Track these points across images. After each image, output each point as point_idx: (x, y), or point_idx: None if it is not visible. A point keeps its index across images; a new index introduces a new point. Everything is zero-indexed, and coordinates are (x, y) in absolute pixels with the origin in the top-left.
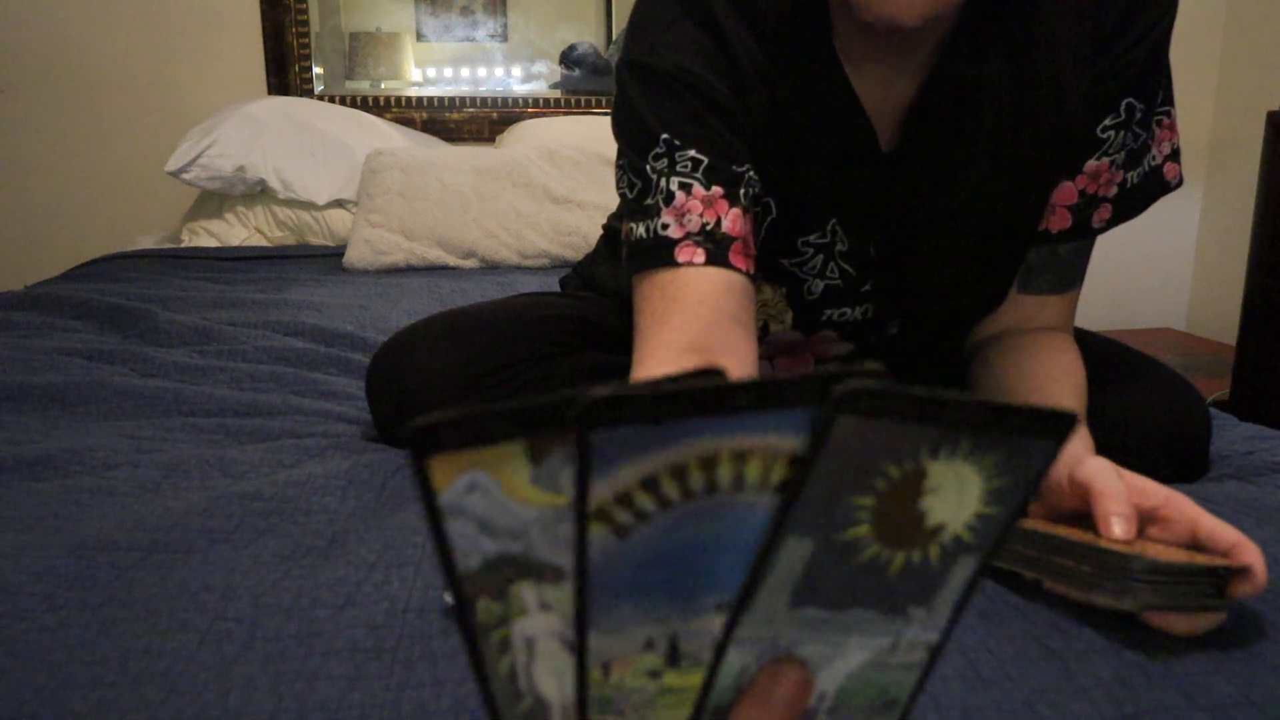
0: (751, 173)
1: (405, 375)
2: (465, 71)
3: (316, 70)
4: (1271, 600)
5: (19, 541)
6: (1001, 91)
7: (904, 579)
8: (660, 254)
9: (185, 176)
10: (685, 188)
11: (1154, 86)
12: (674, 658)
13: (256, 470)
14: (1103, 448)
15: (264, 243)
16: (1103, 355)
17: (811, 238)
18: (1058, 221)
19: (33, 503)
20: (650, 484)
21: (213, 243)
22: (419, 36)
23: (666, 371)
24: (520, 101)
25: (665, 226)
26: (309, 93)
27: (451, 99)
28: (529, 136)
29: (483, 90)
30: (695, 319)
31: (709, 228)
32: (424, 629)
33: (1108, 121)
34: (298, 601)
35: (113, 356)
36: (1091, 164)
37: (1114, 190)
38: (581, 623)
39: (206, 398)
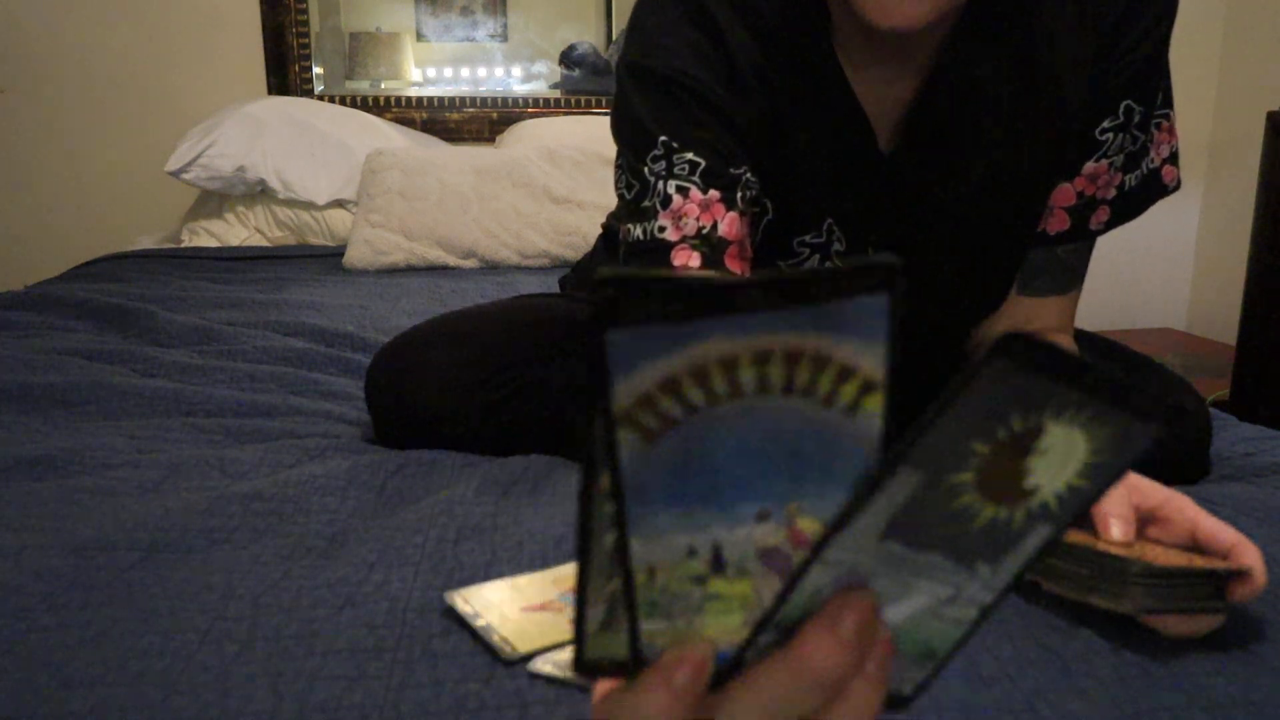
0: (749, 174)
1: (405, 379)
2: (465, 71)
3: (316, 70)
4: (1271, 601)
5: (19, 541)
6: (1002, 93)
7: (984, 534)
8: (657, 256)
9: (185, 176)
10: (683, 191)
11: (1154, 89)
12: (718, 565)
13: (256, 470)
14: None
15: (264, 243)
16: (1102, 356)
17: (807, 237)
18: (1056, 223)
19: (33, 503)
20: (671, 386)
21: (213, 243)
22: (419, 36)
23: None
24: (520, 101)
25: (662, 229)
26: (309, 93)
27: (451, 99)
28: (529, 136)
29: (483, 90)
30: None
31: (705, 231)
32: (424, 629)
33: (1107, 124)
34: (298, 601)
35: (113, 356)
36: (1090, 166)
37: (1112, 192)
38: (620, 523)
39: (206, 398)
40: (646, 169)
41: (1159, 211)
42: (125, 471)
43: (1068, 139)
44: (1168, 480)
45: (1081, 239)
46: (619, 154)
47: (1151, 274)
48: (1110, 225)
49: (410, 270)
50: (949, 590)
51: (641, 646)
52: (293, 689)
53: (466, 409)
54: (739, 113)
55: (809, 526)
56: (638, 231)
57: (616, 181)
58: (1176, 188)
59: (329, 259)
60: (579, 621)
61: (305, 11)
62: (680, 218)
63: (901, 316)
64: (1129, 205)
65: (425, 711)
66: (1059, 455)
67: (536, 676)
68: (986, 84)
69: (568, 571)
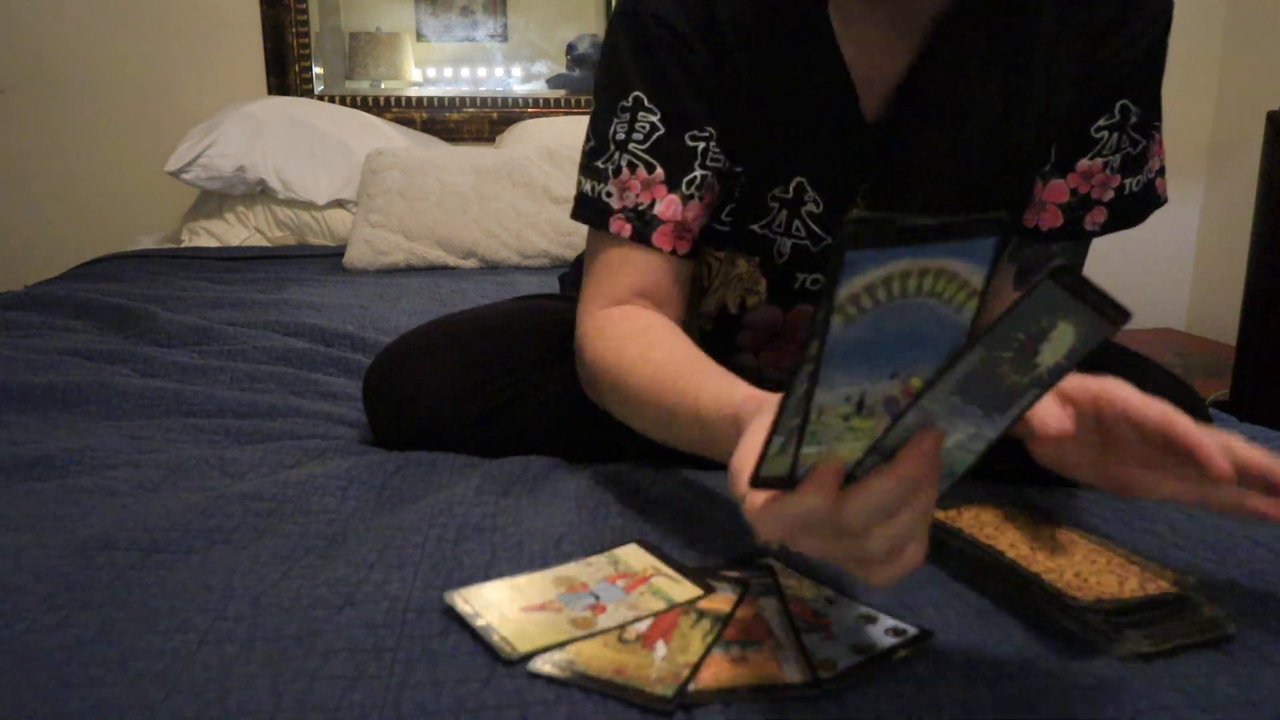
0: (711, 142)
1: (401, 389)
2: (465, 71)
3: (316, 70)
4: (1271, 600)
5: (19, 541)
6: (993, 74)
7: (1004, 394)
8: (597, 216)
9: (185, 176)
10: (632, 167)
11: (1149, 92)
12: (860, 408)
13: (256, 470)
14: None
15: (264, 243)
16: (1099, 354)
17: (777, 190)
18: (1049, 219)
19: (33, 503)
20: (871, 290)
21: (213, 243)
22: (419, 36)
23: (596, 324)
24: (520, 101)
25: (609, 195)
26: (309, 93)
27: (451, 99)
28: (529, 136)
29: (483, 90)
30: (616, 285)
31: (642, 209)
32: (424, 629)
33: (1101, 122)
34: (297, 601)
35: (113, 356)
36: (1084, 163)
37: (1109, 194)
38: (814, 379)
39: (206, 398)
40: (613, 122)
41: (1159, 212)
42: (125, 471)
43: (1052, 128)
44: None
45: (1075, 237)
46: (593, 102)
47: (1151, 274)
48: (1107, 228)
49: (410, 270)
50: (974, 430)
51: (799, 466)
52: (293, 689)
53: (463, 417)
54: (714, 67)
55: (916, 383)
56: (587, 186)
57: (586, 136)
58: (1166, 201)
59: (329, 259)
60: (766, 446)
61: (305, 11)
62: (624, 190)
63: (1003, 251)
64: (1127, 211)
65: (425, 711)
66: (1059, 343)
67: (536, 676)
68: (978, 64)
69: (568, 571)
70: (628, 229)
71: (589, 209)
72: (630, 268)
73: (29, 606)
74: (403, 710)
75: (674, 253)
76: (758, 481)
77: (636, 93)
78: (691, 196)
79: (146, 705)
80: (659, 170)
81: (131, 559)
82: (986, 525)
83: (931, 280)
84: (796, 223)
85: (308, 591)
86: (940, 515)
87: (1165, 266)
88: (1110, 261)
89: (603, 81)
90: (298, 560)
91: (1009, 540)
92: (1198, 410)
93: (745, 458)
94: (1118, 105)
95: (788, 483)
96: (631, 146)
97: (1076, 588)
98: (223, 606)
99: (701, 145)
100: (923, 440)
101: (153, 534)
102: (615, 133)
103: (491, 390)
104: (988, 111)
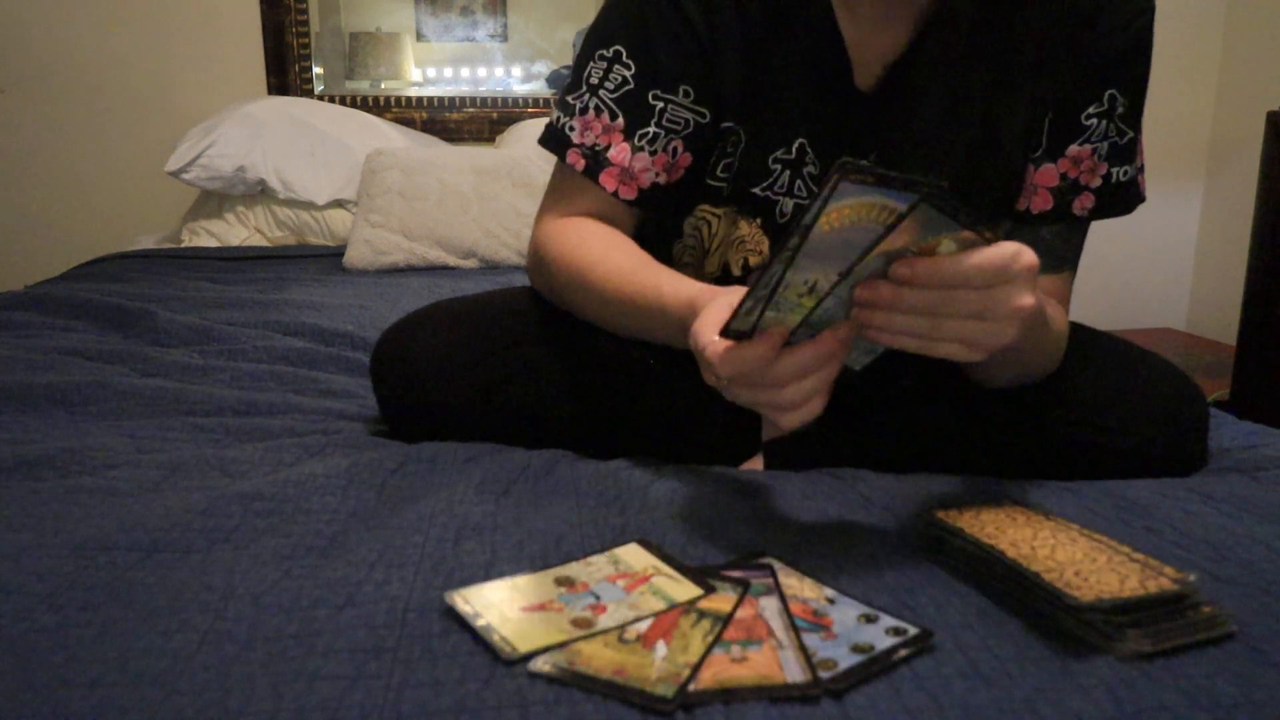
0: (679, 103)
1: (409, 357)
2: (465, 71)
3: (316, 70)
4: (1271, 599)
5: (19, 541)
6: (983, 55)
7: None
8: (559, 145)
9: (185, 176)
10: (598, 111)
11: (1137, 83)
12: (810, 291)
13: (256, 470)
14: (1100, 428)
15: (264, 243)
16: (1100, 345)
17: (779, 152)
18: (1040, 202)
19: (33, 503)
20: (842, 211)
21: (213, 243)
22: (419, 36)
23: (556, 227)
24: (520, 101)
25: (571, 129)
26: (309, 93)
27: (451, 99)
28: (529, 136)
29: (483, 90)
30: (573, 205)
31: (598, 149)
32: (424, 629)
33: (1091, 109)
34: (298, 601)
35: (113, 356)
36: (1074, 148)
37: (1098, 181)
38: (788, 264)
39: (206, 397)
40: (591, 66)
41: (1159, 211)
42: (125, 471)
43: (1042, 112)
44: (1166, 470)
45: (1064, 221)
46: (581, 42)
47: (1151, 274)
48: (1096, 215)
49: (410, 270)
50: None
51: (758, 326)
52: (293, 689)
53: (464, 390)
54: (709, 31)
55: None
56: (555, 115)
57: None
58: (1145, 198)
59: (329, 259)
60: (739, 306)
61: (305, 11)
62: (586, 128)
63: (920, 205)
64: (1115, 199)
65: (425, 711)
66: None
67: (536, 676)
68: (967, 47)
69: (568, 571)
70: (581, 163)
71: (552, 138)
72: (586, 195)
73: (29, 606)
74: (403, 710)
75: (616, 195)
76: (726, 332)
77: (618, 46)
78: (642, 149)
79: (146, 705)
80: (620, 119)
81: (131, 559)
82: (986, 525)
83: (878, 212)
84: (799, 183)
85: (308, 591)
86: (940, 515)
87: (1165, 266)
88: (1111, 261)
89: (595, 25)
90: (298, 560)
91: (1009, 540)
92: (1196, 404)
93: (709, 321)
94: (1106, 94)
95: (746, 336)
96: (601, 93)
97: (1076, 586)
98: (223, 606)
99: (661, 105)
100: (839, 328)
101: (153, 534)
102: (590, 76)
103: (488, 366)
104: (977, 93)
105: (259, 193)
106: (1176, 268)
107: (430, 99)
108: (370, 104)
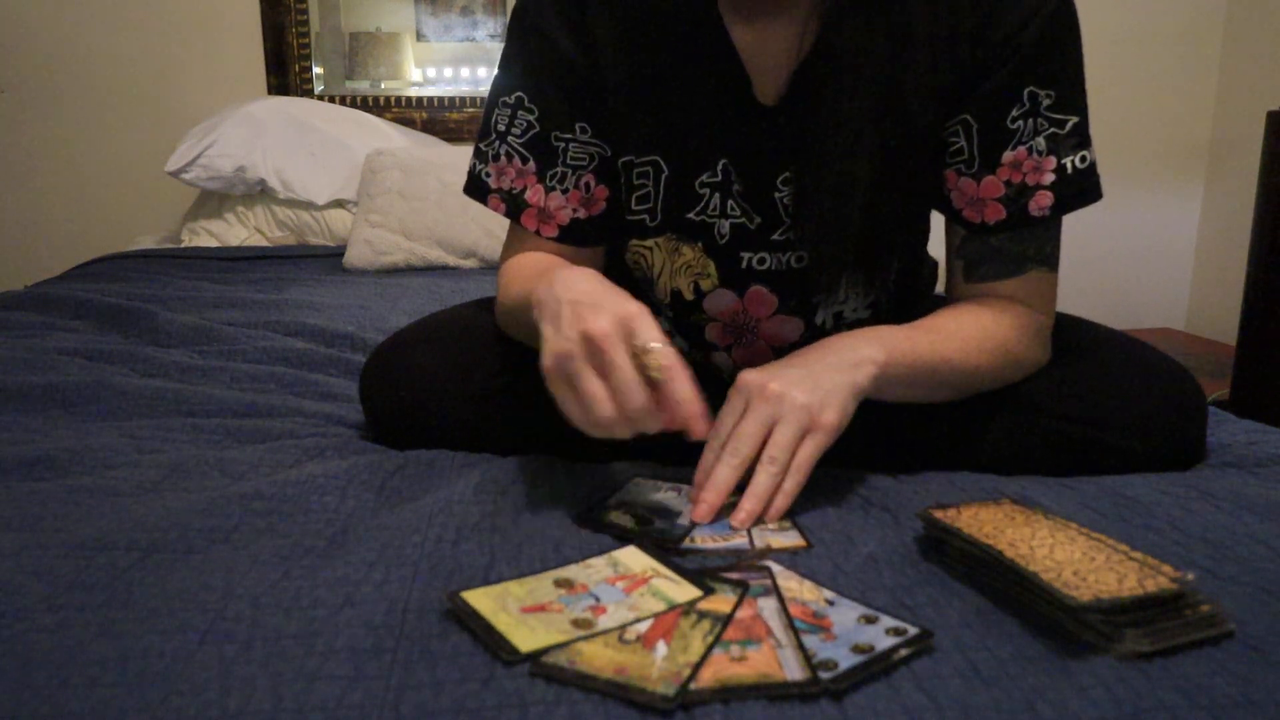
0: (578, 140)
1: (392, 383)
2: (465, 71)
3: (316, 70)
4: (1270, 599)
5: (19, 541)
6: (877, 50)
7: None
8: (480, 192)
9: (185, 176)
10: (510, 156)
11: (1060, 74)
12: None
13: (256, 470)
14: (1097, 423)
15: (264, 243)
16: (1099, 339)
17: (704, 176)
18: (993, 213)
19: (33, 503)
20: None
21: (213, 243)
22: (419, 36)
23: (510, 265)
24: None
25: (488, 175)
26: (309, 93)
27: (451, 99)
28: None
29: (483, 90)
30: (519, 248)
31: (515, 192)
32: (424, 629)
33: (1014, 112)
34: (297, 601)
35: (113, 356)
36: (1008, 155)
37: (1050, 177)
38: None
39: (206, 398)
40: (496, 113)
41: (1159, 211)
42: (125, 471)
43: (946, 102)
44: (1164, 464)
45: (1026, 226)
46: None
47: (1151, 274)
48: (1062, 209)
49: (410, 270)
50: None
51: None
52: (293, 689)
53: (453, 407)
54: (595, 73)
55: None
56: (473, 163)
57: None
58: (1101, 196)
59: (329, 259)
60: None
61: (305, 11)
62: (502, 174)
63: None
64: (1077, 188)
65: (425, 711)
66: None
67: (536, 676)
68: (862, 44)
69: (567, 573)
70: (502, 206)
71: (473, 185)
72: (525, 237)
73: (29, 606)
74: (403, 710)
75: (538, 234)
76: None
77: (519, 93)
78: (554, 189)
79: (146, 705)
80: (531, 163)
81: (131, 559)
82: (986, 524)
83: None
84: (730, 202)
85: (308, 591)
86: (940, 515)
87: (1165, 266)
88: (1111, 261)
89: (498, 74)
90: (298, 560)
91: (1008, 539)
92: (1194, 400)
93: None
94: (1025, 93)
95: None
96: (510, 139)
97: (1075, 586)
98: (223, 606)
99: (563, 145)
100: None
101: (152, 534)
102: (498, 123)
103: (476, 382)
104: (876, 88)
105: (259, 193)
106: (1176, 268)
107: (430, 99)
108: (370, 104)
